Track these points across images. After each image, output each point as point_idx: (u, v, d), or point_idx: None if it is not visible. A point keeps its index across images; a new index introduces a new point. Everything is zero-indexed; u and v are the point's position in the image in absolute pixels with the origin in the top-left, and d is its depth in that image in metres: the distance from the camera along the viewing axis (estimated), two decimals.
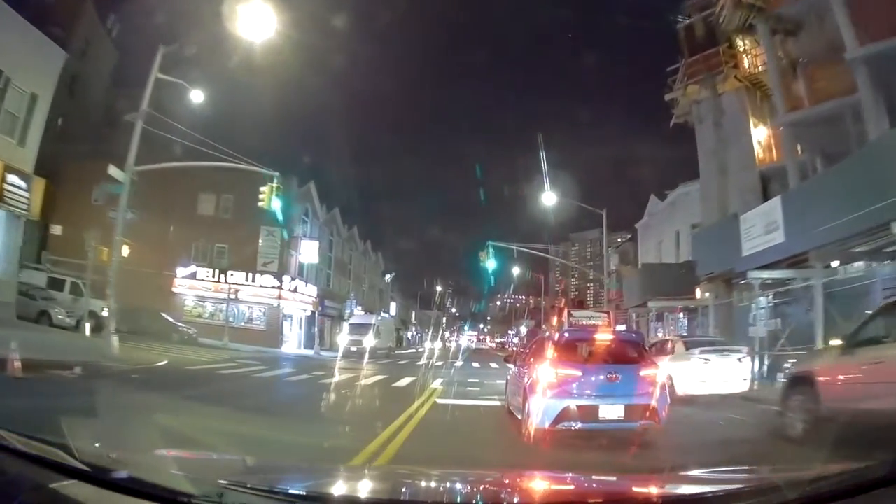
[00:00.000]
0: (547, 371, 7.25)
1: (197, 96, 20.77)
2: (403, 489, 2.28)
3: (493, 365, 31.15)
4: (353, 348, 34.26)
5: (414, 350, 63.89)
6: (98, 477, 1.57)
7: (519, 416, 8.05)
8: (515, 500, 2.27)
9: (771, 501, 1.69)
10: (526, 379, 7.90)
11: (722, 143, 26.27)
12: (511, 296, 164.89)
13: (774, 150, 25.06)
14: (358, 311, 48.53)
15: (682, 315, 27.62)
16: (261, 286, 36.72)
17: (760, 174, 23.47)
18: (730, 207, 23.30)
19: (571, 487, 2.43)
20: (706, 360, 13.12)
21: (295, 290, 37.98)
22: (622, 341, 8.48)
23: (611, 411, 6.94)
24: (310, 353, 35.74)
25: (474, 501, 2.27)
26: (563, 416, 6.87)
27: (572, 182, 32.09)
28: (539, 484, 2.47)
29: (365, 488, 2.23)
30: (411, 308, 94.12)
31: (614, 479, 3.06)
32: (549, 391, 7.03)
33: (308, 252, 38.44)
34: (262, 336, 36.20)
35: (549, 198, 30.26)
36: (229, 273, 36.68)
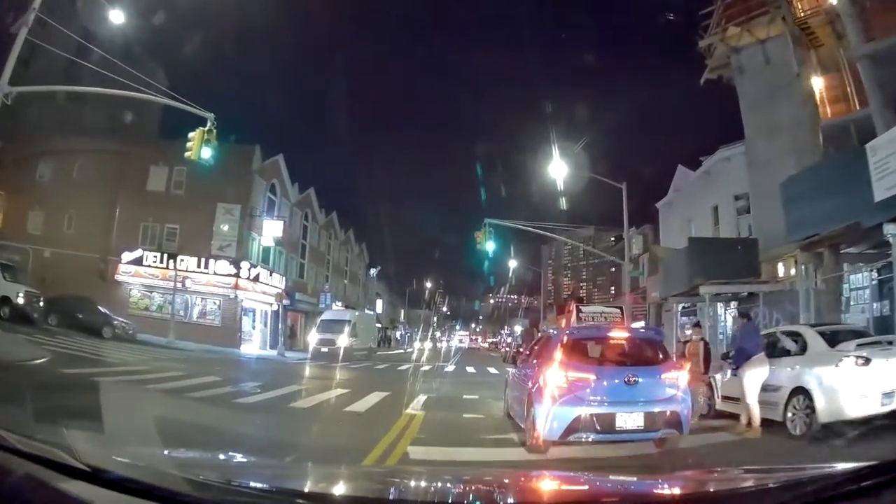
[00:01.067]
0: (556, 374, 6.50)
1: (117, 16, 18.30)
2: (404, 489, 2.21)
3: (492, 370, 25.64)
4: (324, 349, 28.73)
5: (402, 350, 58.59)
6: (99, 477, 1.54)
7: (522, 425, 7.33)
8: (515, 501, 2.18)
9: (771, 501, 1.68)
10: (530, 383, 7.15)
11: (770, 97, 21.46)
12: (504, 295, 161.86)
13: (828, 106, 20.89)
14: (337, 305, 42.90)
15: (728, 307, 22.32)
16: (215, 273, 30.92)
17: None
18: (784, 171, 19.04)
19: (571, 487, 2.36)
20: (864, 359, 7.58)
21: (256, 280, 32.16)
22: (640, 340, 7.71)
23: (629, 420, 6.17)
24: (272, 354, 30.02)
25: (475, 502, 2.18)
26: (575, 426, 6.13)
27: (582, 159, 25.65)
28: (538, 484, 2.42)
29: (365, 488, 2.15)
30: (399, 306, 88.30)
31: (614, 478, 2.96)
32: (558, 398, 6.30)
33: (271, 233, 32.63)
34: (218, 333, 30.43)
35: (557, 169, 24.78)
36: (179, 258, 30.87)
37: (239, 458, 2.85)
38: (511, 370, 9.66)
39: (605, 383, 6.49)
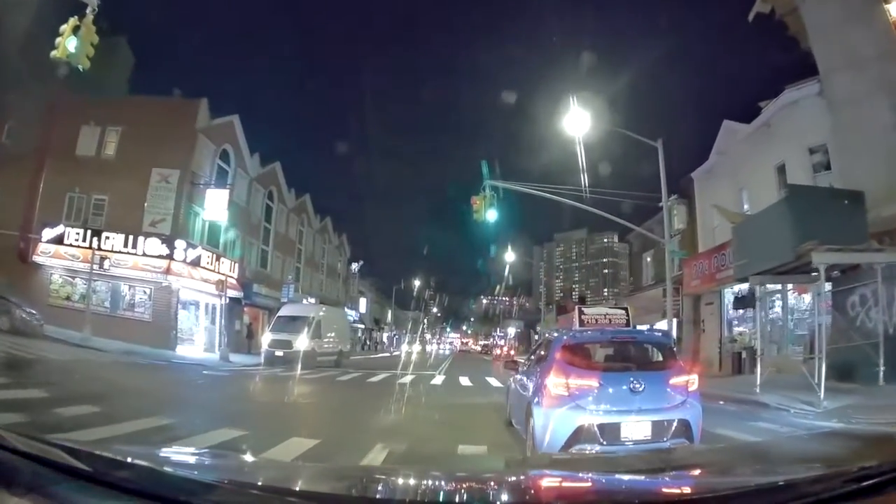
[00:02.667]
0: (555, 381, 6.03)
1: None
2: (404, 489, 2.21)
3: (494, 381, 19.42)
4: (278, 353, 22.52)
5: (387, 354, 52.40)
6: (98, 477, 1.55)
7: (523, 435, 6.73)
8: (513, 500, 2.10)
9: (771, 501, 1.68)
10: (531, 390, 6.71)
11: (846, 24, 16.43)
12: (497, 296, 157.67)
13: None
14: (310, 301, 36.46)
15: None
16: (144, 254, 24.49)
17: None
18: (876, 112, 15.20)
19: (570, 487, 2.29)
20: None
21: (196, 264, 25.73)
22: (646, 343, 7.42)
23: (635, 429, 5.77)
24: (214, 359, 23.63)
25: (474, 502, 2.17)
26: (578, 436, 5.70)
27: (603, 115, 19.11)
28: (538, 484, 2.37)
29: (366, 488, 2.08)
30: (387, 306, 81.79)
31: (613, 478, 2.68)
32: (558, 406, 5.87)
33: (214, 205, 26.23)
34: (148, 331, 24.02)
35: (575, 122, 18.71)
36: (104, 235, 24.54)
37: (238, 457, 2.93)
38: (515, 375, 8.61)
39: (609, 390, 5.90)
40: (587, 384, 5.96)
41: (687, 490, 2.11)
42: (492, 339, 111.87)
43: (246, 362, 23.44)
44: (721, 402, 12.53)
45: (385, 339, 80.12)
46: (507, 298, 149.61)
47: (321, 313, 26.13)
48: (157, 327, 24.38)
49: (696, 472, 2.71)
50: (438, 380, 19.79)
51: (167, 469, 1.78)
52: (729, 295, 22.89)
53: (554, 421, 5.79)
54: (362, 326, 62.48)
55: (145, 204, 25.51)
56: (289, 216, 38.65)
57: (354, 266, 56.80)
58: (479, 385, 18.38)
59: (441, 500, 2.07)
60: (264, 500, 1.62)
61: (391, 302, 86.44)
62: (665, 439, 5.83)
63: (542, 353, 7.41)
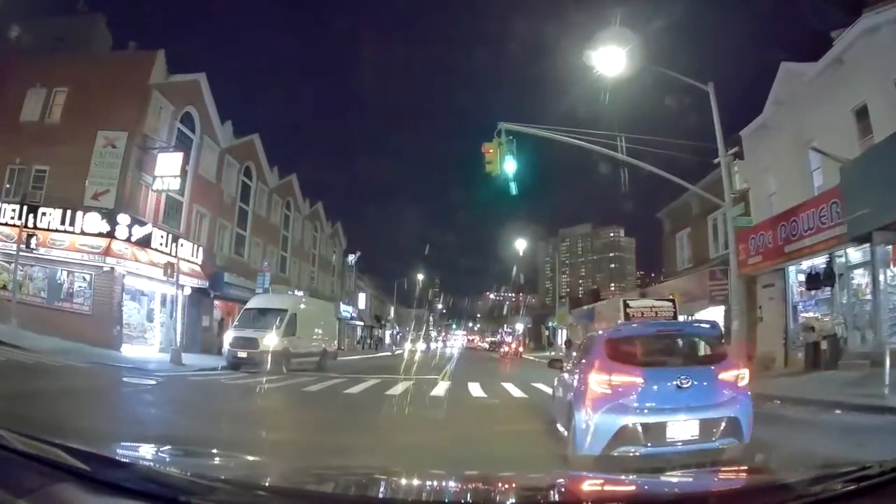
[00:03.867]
0: (598, 378, 5.77)
1: None
2: (405, 489, 2.18)
3: (514, 390, 14.94)
4: (242, 353, 17.99)
5: (388, 353, 47.76)
6: (98, 477, 1.54)
7: (566, 435, 6.42)
8: (515, 500, 2.12)
9: (771, 501, 1.68)
10: (572, 389, 6.43)
11: None
12: (502, 293, 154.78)
13: None
14: (299, 293, 31.90)
15: None
16: (82, 232, 20.00)
17: None
18: None
19: (571, 487, 2.25)
20: None
21: (145, 245, 21.18)
22: (693, 335, 6.90)
23: (682, 429, 5.44)
24: (164, 360, 19.01)
25: (476, 501, 2.12)
26: (620, 438, 5.40)
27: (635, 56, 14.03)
28: (539, 484, 2.37)
29: (366, 488, 2.13)
30: (389, 303, 77.11)
31: (613, 478, 2.81)
32: (600, 404, 5.61)
33: (165, 172, 21.63)
34: (89, 325, 19.61)
35: (611, 58, 14.25)
36: (40, 212, 20.27)
37: (239, 458, 2.86)
38: (560, 375, 8.08)
39: (654, 387, 5.64)
40: (631, 381, 5.65)
41: (687, 490, 2.09)
42: (498, 336, 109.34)
43: (205, 365, 18.87)
44: (818, 411, 9.70)
45: (388, 338, 75.58)
46: (514, 295, 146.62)
47: (301, 306, 21.53)
48: (97, 321, 19.85)
49: (696, 472, 2.95)
50: (441, 388, 15.07)
51: (167, 469, 1.75)
52: (794, 274, 18.66)
53: (595, 421, 5.51)
54: (361, 324, 57.95)
55: (88, 173, 21.02)
56: (271, 198, 34.03)
57: (351, 258, 52.10)
58: (496, 396, 13.70)
59: (443, 500, 2.10)
60: (265, 500, 1.62)
61: (393, 299, 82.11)
62: (714, 439, 5.43)
63: (584, 350, 7.15)
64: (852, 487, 1.62)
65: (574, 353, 8.02)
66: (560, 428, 7.00)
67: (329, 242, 47.61)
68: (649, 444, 5.37)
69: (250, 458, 2.92)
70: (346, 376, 18.00)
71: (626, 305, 7.40)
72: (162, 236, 22.02)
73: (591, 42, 14.47)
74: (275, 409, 10.70)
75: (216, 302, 26.57)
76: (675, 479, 2.57)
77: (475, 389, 14.87)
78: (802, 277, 18.15)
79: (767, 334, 20.23)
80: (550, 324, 69.67)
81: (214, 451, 2.92)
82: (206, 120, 25.95)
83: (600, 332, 7.65)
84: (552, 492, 2.15)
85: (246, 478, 1.96)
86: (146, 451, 2.29)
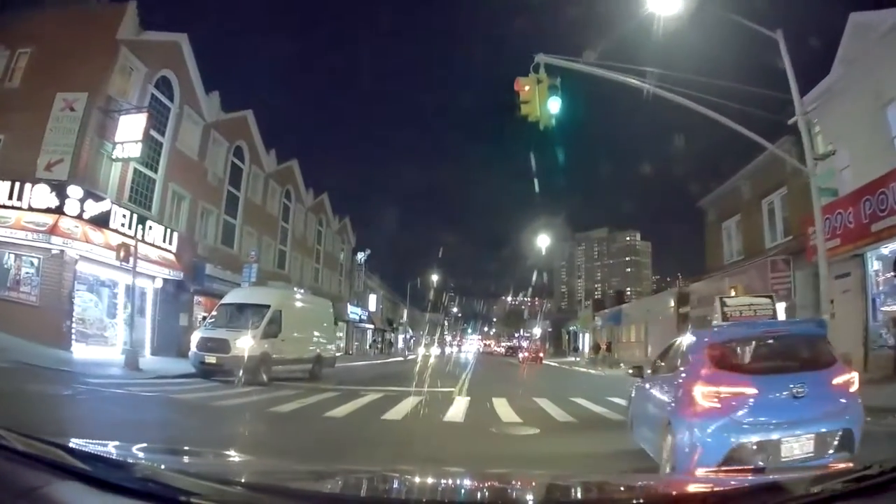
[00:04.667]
0: (705, 389, 5.03)
1: None
2: (405, 489, 2.14)
3: (554, 410, 11.10)
4: (211, 359, 14.43)
5: (400, 358, 44.47)
6: (98, 477, 1.51)
7: (653, 454, 5.86)
8: (518, 501, 2.15)
9: (771, 501, 1.62)
10: (668, 401, 5.64)
11: None
12: (518, 297, 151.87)
13: None
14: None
15: None
16: (30, 208, 16.59)
17: None
18: None
19: (571, 487, 2.27)
20: None
21: (102, 224, 17.65)
22: (799, 337, 5.95)
23: (797, 445, 4.80)
24: (118, 365, 15.41)
25: (476, 502, 2.11)
26: (734, 457, 4.71)
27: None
28: (539, 484, 2.31)
29: (366, 488, 2.06)
30: (401, 305, 73.35)
31: (614, 479, 2.85)
32: (709, 419, 4.90)
33: (127, 137, 18.15)
34: (35, 319, 16.13)
35: None
36: None
37: (239, 457, 2.84)
38: (639, 383, 7.42)
39: (768, 398, 4.98)
40: (743, 392, 4.99)
41: (686, 490, 2.09)
42: (515, 341, 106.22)
43: (169, 371, 15.33)
44: None
45: (400, 342, 71.89)
46: (530, 299, 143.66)
47: (289, 302, 17.85)
48: (45, 315, 16.35)
49: (694, 471, 3.07)
50: (458, 408, 11.18)
51: (167, 469, 1.69)
52: (872, 262, 15.56)
53: (704, 439, 4.87)
54: (371, 327, 54.29)
55: (43, 140, 17.64)
56: (268, 184, 30.45)
57: (360, 256, 48.43)
58: (533, 419, 9.85)
59: (445, 500, 2.04)
60: (265, 500, 1.58)
61: (407, 302, 78.47)
62: (827, 454, 4.82)
63: (678, 355, 6.28)
64: (852, 487, 1.58)
65: (659, 360, 7.13)
66: (642, 444, 6.50)
67: (336, 239, 44.00)
68: (763, 464, 4.58)
69: (251, 458, 2.88)
70: (342, 388, 14.31)
71: (724, 304, 6.52)
72: (125, 216, 18.45)
73: None
74: (192, 442, 6.98)
75: (198, 298, 23.00)
76: (675, 479, 2.72)
77: (503, 409, 11.04)
78: (878, 265, 15.11)
79: (841, 333, 16.59)
80: (571, 328, 65.83)
81: (215, 451, 2.92)
82: (186, 87, 22.47)
83: (696, 335, 6.48)
84: (557, 491, 2.14)
85: (246, 478, 1.91)
86: (146, 451, 2.21)
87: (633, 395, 7.69)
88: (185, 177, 22.39)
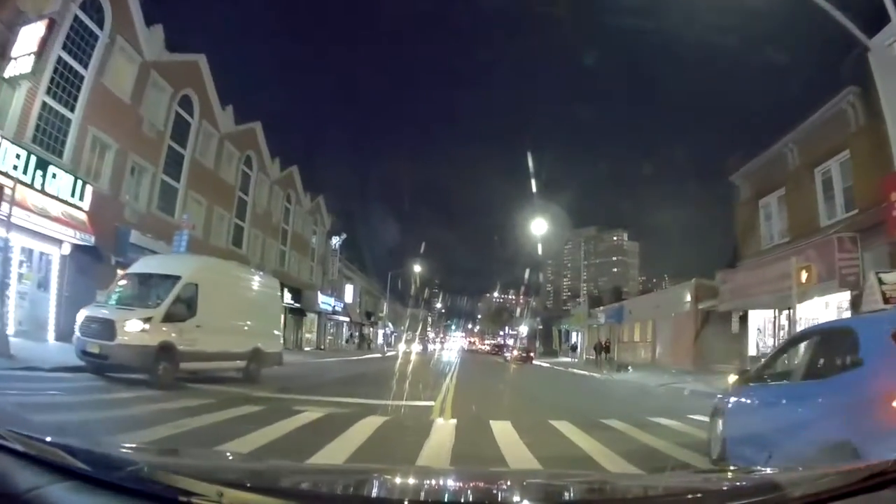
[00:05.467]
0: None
1: None
2: (406, 489, 2.06)
3: (606, 456, 6.73)
4: (93, 348, 10.18)
5: (379, 355, 41.35)
6: (98, 477, 1.50)
7: None
8: (515, 500, 2.03)
9: (771, 501, 1.60)
10: (837, 415, 4.26)
11: None
12: (504, 293, 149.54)
13: None
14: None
15: None
16: None
17: None
18: None
19: (571, 487, 2.16)
20: None
21: None
22: None
23: None
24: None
25: (476, 501, 2.00)
26: None
27: None
28: (539, 483, 2.28)
29: (365, 487, 1.98)
30: (382, 299, 68.84)
31: (614, 478, 2.87)
32: None
33: (23, 48, 13.94)
34: None
35: None
36: None
37: (239, 458, 2.83)
38: (733, 395, 6.29)
39: None
40: None
41: (685, 490, 2.02)
42: (500, 339, 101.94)
43: (54, 360, 11.17)
44: None
45: (381, 337, 67.54)
46: (514, 297, 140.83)
47: (222, 276, 13.60)
48: None
49: (694, 472, 2.89)
50: (438, 444, 6.89)
51: (167, 469, 1.66)
52: None
53: None
54: (347, 320, 50.00)
55: None
56: (223, 147, 26.00)
57: (335, 241, 43.99)
58: (575, 471, 5.80)
59: (440, 499, 1.99)
60: (265, 500, 1.55)
61: (387, 293, 74.00)
62: None
63: (821, 350, 5.11)
64: (852, 487, 1.55)
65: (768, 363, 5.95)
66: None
67: (308, 220, 39.54)
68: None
69: (251, 458, 3.06)
70: (278, 398, 10.26)
71: (881, 281, 6.32)
72: (18, 156, 14.05)
73: None
74: None
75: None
76: (674, 479, 2.54)
77: (511, 445, 6.85)
78: None
79: None
80: (564, 326, 62.08)
81: (215, 451, 3.08)
82: (122, 14, 18.04)
83: (867, 322, 5.22)
84: (553, 490, 2.11)
85: (246, 478, 1.83)
86: (146, 451, 2.27)
87: (724, 410, 6.40)
88: (112, 121, 17.97)
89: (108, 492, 1.46)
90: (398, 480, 2.24)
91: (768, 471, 2.36)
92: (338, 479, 2.19)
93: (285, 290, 32.48)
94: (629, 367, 24.71)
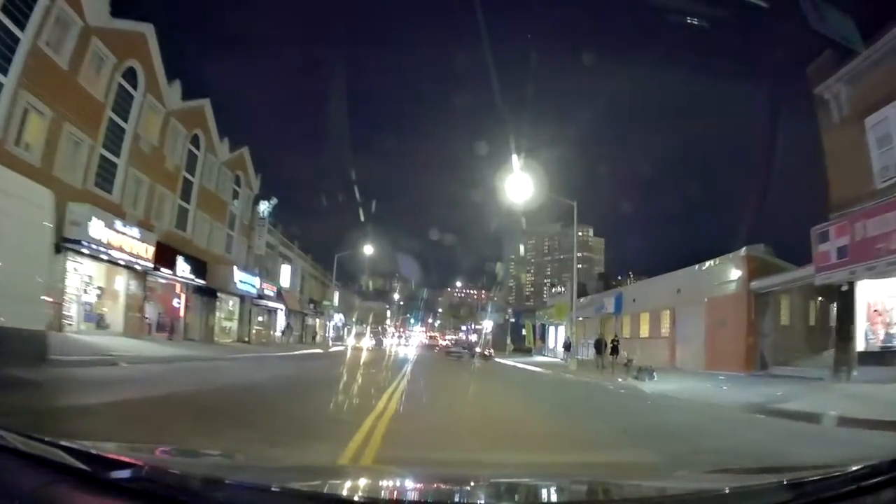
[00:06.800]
0: None
1: None
2: (403, 488, 2.09)
3: None
4: None
5: (319, 351, 35.71)
6: (98, 477, 1.50)
7: None
8: (515, 500, 2.05)
9: (771, 501, 1.64)
10: None
11: None
12: (465, 288, 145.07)
13: None
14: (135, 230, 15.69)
15: None
16: None
17: None
18: None
19: (571, 487, 2.24)
20: None
21: None
22: None
23: None
24: None
25: (473, 501, 2.06)
26: None
27: None
28: (539, 483, 2.28)
29: (364, 487, 2.02)
30: (333, 287, 59.81)
31: (614, 478, 2.75)
32: None
33: None
34: None
35: None
36: None
37: (239, 457, 2.81)
38: None
39: None
40: None
41: (685, 490, 2.05)
42: (461, 334, 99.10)
43: None
44: None
45: (330, 330, 59.07)
46: (476, 292, 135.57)
47: None
48: None
49: (695, 472, 2.85)
50: None
51: (167, 469, 1.66)
52: None
53: None
54: (282, 307, 41.48)
55: None
56: (91, 45, 17.25)
57: (264, 206, 35.19)
58: None
59: (438, 499, 1.99)
60: (266, 499, 1.58)
61: (344, 286, 65.47)
62: None
63: None
64: (852, 487, 1.58)
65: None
66: None
67: (225, 175, 30.64)
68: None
69: (251, 458, 2.95)
70: None
71: None
72: None
73: None
74: None
75: None
76: (674, 479, 2.51)
77: None
78: None
79: None
80: (539, 321, 54.82)
81: (215, 451, 2.87)
82: None
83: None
84: (552, 492, 2.10)
85: (247, 477, 1.87)
86: (146, 451, 2.22)
87: None
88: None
89: (109, 492, 1.45)
90: (400, 480, 2.25)
91: (771, 471, 2.28)
92: (339, 479, 2.26)
93: (181, 259, 24.10)
94: (654, 373, 17.36)
